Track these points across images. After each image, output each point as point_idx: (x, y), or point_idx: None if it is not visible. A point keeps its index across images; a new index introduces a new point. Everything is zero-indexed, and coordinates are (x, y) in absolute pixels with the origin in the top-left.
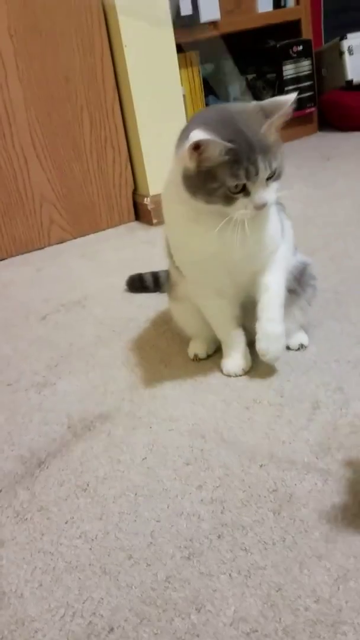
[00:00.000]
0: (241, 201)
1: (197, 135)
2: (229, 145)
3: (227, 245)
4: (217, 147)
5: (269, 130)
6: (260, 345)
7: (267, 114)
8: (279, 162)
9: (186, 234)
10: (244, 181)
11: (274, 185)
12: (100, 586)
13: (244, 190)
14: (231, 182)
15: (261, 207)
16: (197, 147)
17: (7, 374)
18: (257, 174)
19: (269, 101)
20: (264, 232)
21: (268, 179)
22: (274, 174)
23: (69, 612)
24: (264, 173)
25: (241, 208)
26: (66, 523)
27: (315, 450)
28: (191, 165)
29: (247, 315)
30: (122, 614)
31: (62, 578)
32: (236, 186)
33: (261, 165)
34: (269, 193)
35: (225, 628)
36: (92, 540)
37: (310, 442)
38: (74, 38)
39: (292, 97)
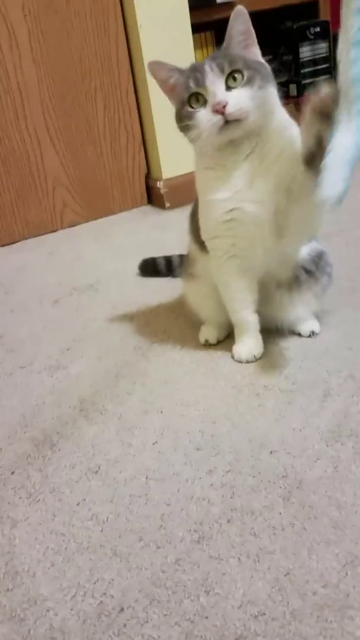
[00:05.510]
0: (202, 112)
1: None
2: (178, 67)
3: (247, 186)
4: (164, 67)
5: (230, 45)
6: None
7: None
8: (240, 65)
9: (210, 182)
10: (195, 89)
11: (243, 91)
12: (111, 567)
13: (205, 104)
14: (185, 94)
15: (219, 107)
16: (156, 76)
17: (20, 357)
18: (204, 76)
19: None
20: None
21: (231, 85)
22: (239, 76)
23: (80, 592)
24: (212, 75)
25: (204, 119)
26: (78, 505)
27: (326, 437)
28: (173, 100)
29: (262, 303)
30: (132, 595)
31: (74, 559)
32: (196, 98)
33: (207, 68)
34: (230, 96)
35: (233, 610)
36: (103, 522)
37: (321, 429)
38: (89, 18)
39: (238, 7)
